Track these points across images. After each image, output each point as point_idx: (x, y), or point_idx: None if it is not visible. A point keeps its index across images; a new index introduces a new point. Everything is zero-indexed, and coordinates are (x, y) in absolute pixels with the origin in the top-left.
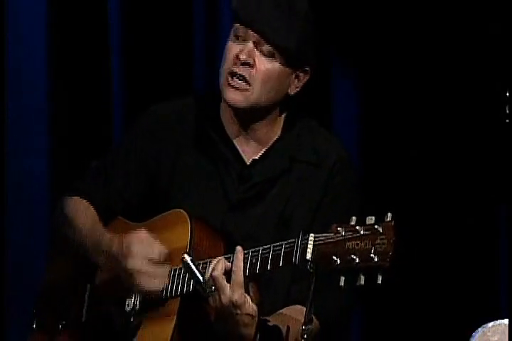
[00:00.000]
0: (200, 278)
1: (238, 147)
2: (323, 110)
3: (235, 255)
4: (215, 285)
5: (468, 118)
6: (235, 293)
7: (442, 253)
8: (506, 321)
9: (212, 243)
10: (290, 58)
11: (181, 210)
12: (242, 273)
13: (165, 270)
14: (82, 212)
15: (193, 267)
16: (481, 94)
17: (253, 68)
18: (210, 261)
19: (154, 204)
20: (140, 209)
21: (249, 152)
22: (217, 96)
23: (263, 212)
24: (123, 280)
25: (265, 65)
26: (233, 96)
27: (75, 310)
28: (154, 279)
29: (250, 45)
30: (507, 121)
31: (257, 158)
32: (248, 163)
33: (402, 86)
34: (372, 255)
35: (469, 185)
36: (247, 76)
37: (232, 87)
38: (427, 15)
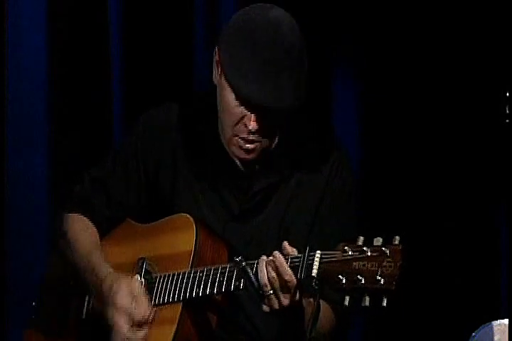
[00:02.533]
0: (256, 283)
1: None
2: (323, 110)
3: (276, 260)
4: (273, 289)
5: (468, 119)
6: (295, 294)
7: (443, 253)
8: (506, 321)
9: (217, 249)
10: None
11: (187, 215)
12: (293, 275)
13: (140, 335)
14: (82, 232)
15: (250, 272)
16: (481, 94)
17: (262, 131)
18: (257, 263)
19: (159, 208)
20: (144, 212)
21: (247, 161)
22: (214, 101)
23: (264, 220)
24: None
25: (273, 125)
26: (246, 157)
27: (76, 306)
28: None
29: (255, 114)
30: (507, 121)
31: (255, 167)
32: (246, 173)
33: (402, 86)
34: (378, 277)
35: (469, 185)
36: (259, 139)
37: (245, 149)
38: (426, 15)
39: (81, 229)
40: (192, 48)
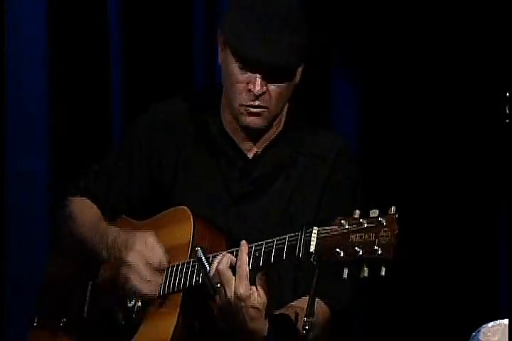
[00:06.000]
0: (209, 272)
1: (239, 143)
2: (323, 110)
3: (239, 248)
4: (220, 279)
5: (468, 119)
6: (239, 286)
7: (442, 253)
8: (506, 321)
9: (214, 241)
10: (296, 69)
11: (184, 207)
12: (246, 266)
13: (159, 279)
14: (86, 209)
15: (204, 260)
16: (481, 94)
17: (268, 94)
18: (217, 255)
19: (158, 203)
20: (144, 207)
21: (251, 146)
22: (218, 91)
23: (266, 205)
24: (121, 276)
25: (278, 88)
26: (253, 121)
27: (77, 306)
28: (147, 284)
29: (259, 76)
30: (507, 121)
31: (259, 152)
32: (250, 158)
33: (402, 86)
34: (376, 247)
35: (469, 185)
36: (264, 104)
37: (252, 114)
38: (427, 15)
39: (86, 209)
40: (192, 47)
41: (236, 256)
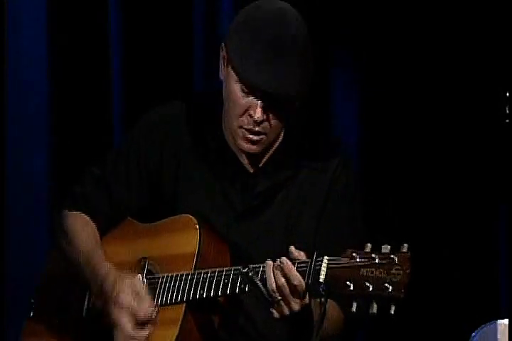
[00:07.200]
0: (264, 290)
1: (240, 157)
2: (323, 110)
3: (284, 266)
4: (282, 295)
5: (468, 119)
6: (304, 298)
7: (442, 254)
8: (506, 321)
9: (219, 251)
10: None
11: (190, 216)
12: (302, 280)
13: (143, 334)
14: (82, 230)
15: (257, 281)
16: (481, 94)
17: (267, 122)
18: (264, 268)
19: (161, 209)
20: (147, 212)
21: (252, 161)
22: (218, 100)
23: (269, 219)
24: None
25: (278, 116)
26: (251, 148)
27: (76, 304)
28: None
29: (260, 103)
30: (507, 121)
31: (260, 166)
32: (251, 172)
33: (402, 86)
34: (386, 284)
35: (469, 185)
36: (262, 130)
37: (250, 140)
38: (427, 14)
39: (81, 226)
40: (192, 48)
41: (283, 272)
